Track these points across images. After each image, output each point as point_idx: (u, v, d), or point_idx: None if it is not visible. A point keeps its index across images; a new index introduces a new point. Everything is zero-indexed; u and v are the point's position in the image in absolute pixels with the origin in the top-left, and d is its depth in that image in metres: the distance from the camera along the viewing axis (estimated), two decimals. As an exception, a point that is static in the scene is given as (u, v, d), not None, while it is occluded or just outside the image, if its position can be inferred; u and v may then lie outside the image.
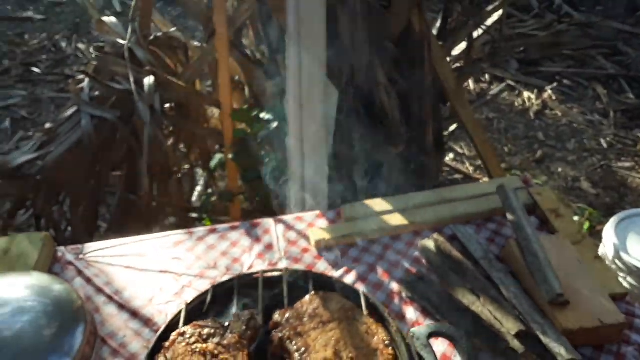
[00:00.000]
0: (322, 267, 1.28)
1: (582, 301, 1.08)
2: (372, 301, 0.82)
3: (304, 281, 0.85)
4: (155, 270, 1.28)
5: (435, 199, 1.45)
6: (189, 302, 0.82)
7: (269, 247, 1.34)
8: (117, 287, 1.24)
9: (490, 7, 2.59)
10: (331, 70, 2.01)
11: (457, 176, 3.13)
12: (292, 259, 1.31)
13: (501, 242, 1.34)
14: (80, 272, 1.27)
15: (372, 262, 1.30)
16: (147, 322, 1.17)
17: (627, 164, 3.16)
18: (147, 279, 1.26)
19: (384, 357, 0.70)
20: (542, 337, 1.03)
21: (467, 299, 1.16)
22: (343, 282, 0.86)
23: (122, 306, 1.20)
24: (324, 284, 0.85)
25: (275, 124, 2.04)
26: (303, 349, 0.72)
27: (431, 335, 0.78)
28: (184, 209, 2.29)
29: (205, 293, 0.83)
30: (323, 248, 1.33)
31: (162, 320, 1.17)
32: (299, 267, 1.28)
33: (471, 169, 3.21)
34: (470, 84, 3.89)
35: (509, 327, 1.07)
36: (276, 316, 0.77)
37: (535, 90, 3.81)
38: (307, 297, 0.80)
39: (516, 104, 3.74)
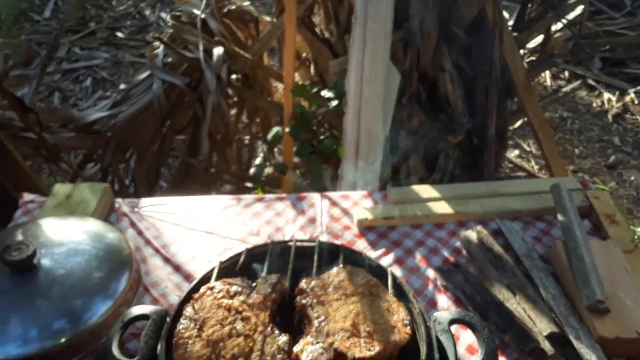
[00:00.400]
0: (362, 246, 1.29)
1: (623, 311, 1.04)
2: (398, 281, 0.83)
3: (334, 254, 0.87)
4: (201, 230, 1.34)
5: (485, 191, 1.42)
6: (223, 260, 0.86)
7: (312, 220, 1.37)
8: (165, 241, 1.31)
9: (572, 0, 2.46)
10: (396, 53, 2.00)
11: (520, 173, 3.04)
12: (332, 234, 1.33)
13: (548, 242, 1.30)
14: (133, 224, 1.35)
15: (411, 247, 1.30)
16: (187, 276, 1.23)
17: None
18: (193, 237, 1.32)
19: (401, 335, 0.71)
20: (574, 342, 1.00)
21: (503, 294, 1.14)
22: (372, 259, 0.87)
23: (167, 259, 1.27)
24: (354, 259, 0.86)
25: (335, 102, 2.05)
26: (323, 317, 0.74)
27: (453, 321, 0.78)
28: (240, 178, 2.36)
29: (239, 254, 0.87)
30: (365, 228, 1.34)
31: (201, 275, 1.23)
32: (339, 242, 1.30)
33: (536, 167, 3.09)
34: (547, 79, 3.73)
35: (541, 327, 1.05)
36: (302, 283, 0.79)
37: (617, 93, 3.60)
38: (335, 268, 0.81)
39: (594, 105, 3.56)
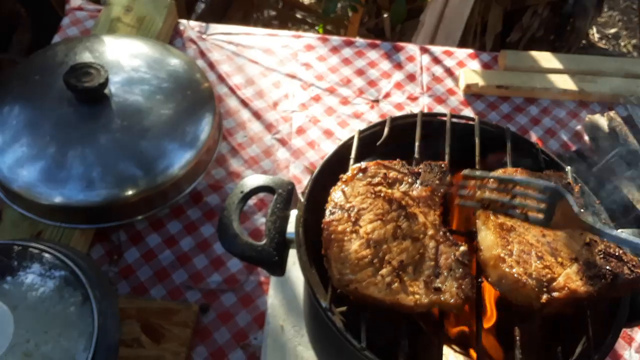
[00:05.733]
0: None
1: None
2: (581, 185, 0.66)
3: (499, 140, 0.69)
4: (282, 72, 1.14)
5: (614, 68, 1.21)
6: (362, 129, 0.67)
7: (411, 77, 1.17)
8: (241, 80, 1.11)
9: None
10: None
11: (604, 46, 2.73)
12: (434, 97, 1.14)
13: (679, 139, 1.13)
14: (202, 54, 1.13)
15: (525, 124, 1.13)
16: (269, 126, 1.06)
17: None
18: (273, 79, 1.12)
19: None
20: None
21: (634, 195, 1.00)
22: (547, 153, 0.69)
23: (244, 102, 1.08)
24: (522, 150, 0.68)
25: None
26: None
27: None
28: (290, 4, 2.06)
29: (381, 124, 0.68)
30: (472, 94, 1.15)
31: (286, 128, 1.06)
32: (442, 108, 1.12)
33: (597, 36, 2.78)
34: None
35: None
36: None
37: None
38: (511, 169, 0.64)
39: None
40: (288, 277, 0.84)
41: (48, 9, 1.40)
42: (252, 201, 0.94)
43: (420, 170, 0.62)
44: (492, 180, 0.58)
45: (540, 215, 0.54)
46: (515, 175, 0.63)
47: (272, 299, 0.82)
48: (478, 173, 0.59)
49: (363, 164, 0.62)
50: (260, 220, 0.93)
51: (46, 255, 0.71)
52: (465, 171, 0.61)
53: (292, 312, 0.81)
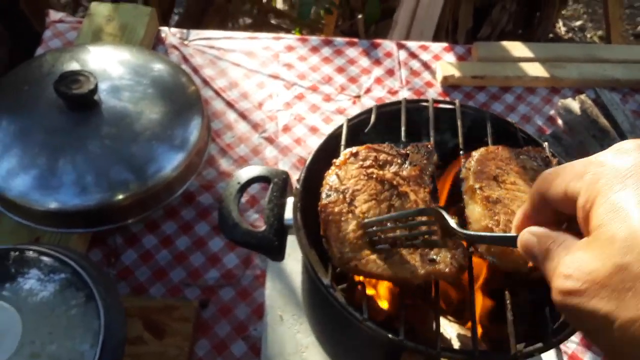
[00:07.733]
0: (445, 106, 1.15)
1: None
2: (558, 159, 0.71)
3: (480, 122, 0.72)
4: (264, 74, 1.16)
5: (581, 54, 1.26)
6: (350, 118, 0.70)
7: (390, 72, 1.20)
8: (226, 83, 1.14)
9: None
10: None
11: (569, 36, 2.82)
12: (413, 90, 1.18)
13: (647, 119, 1.19)
14: (186, 59, 1.15)
15: (501, 111, 1.17)
16: (255, 126, 1.09)
17: None
18: (257, 81, 1.15)
19: None
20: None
21: (608, 173, 1.04)
22: (525, 131, 0.73)
23: (230, 104, 1.11)
24: (504, 132, 0.72)
25: None
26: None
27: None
28: (265, 10, 2.10)
29: (368, 112, 0.71)
30: (449, 86, 1.19)
31: (272, 127, 1.09)
32: (422, 101, 1.16)
33: (563, 29, 2.87)
34: None
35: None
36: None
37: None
38: (493, 147, 0.68)
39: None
40: (283, 269, 0.86)
41: (25, 24, 1.41)
42: (244, 198, 0.96)
43: (408, 152, 0.65)
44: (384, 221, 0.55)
45: (435, 237, 0.55)
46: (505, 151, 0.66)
47: (270, 290, 0.84)
48: (374, 219, 0.57)
49: (354, 149, 0.65)
50: (253, 217, 0.96)
51: (46, 258, 0.72)
52: (365, 220, 0.58)
53: (289, 302, 0.83)
